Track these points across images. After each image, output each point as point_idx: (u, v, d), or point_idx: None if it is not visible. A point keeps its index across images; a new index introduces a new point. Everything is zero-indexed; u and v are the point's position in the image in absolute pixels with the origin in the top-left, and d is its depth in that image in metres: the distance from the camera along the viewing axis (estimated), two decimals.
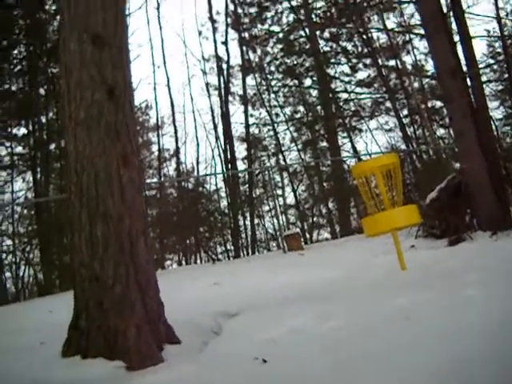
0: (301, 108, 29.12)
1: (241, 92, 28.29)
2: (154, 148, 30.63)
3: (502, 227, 8.96)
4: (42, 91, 20.85)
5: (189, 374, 3.27)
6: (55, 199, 17.94)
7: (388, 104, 26.66)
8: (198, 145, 29.75)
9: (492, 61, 24.97)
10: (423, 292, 4.23)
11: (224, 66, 27.95)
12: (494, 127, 10.93)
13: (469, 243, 8.98)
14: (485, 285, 4.20)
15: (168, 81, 28.54)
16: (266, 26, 28.40)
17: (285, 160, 28.75)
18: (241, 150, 29.14)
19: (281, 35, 28.51)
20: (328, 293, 5.64)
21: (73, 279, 4.19)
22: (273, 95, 28.69)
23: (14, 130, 21.13)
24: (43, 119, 20.69)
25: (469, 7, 16.16)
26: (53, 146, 20.75)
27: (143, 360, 3.77)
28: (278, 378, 2.85)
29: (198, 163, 29.88)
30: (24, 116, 20.39)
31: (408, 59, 28.14)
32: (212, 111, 28.50)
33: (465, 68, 10.32)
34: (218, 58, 27.99)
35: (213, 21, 28.34)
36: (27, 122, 20.73)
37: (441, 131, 26.89)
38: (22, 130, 21.11)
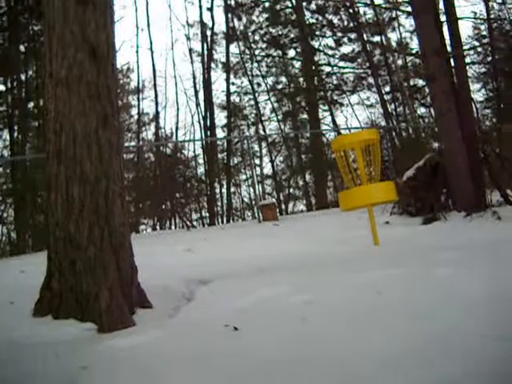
0: (283, 79, 29.15)
1: (224, 59, 28.20)
2: (134, 111, 30.51)
3: (476, 209, 9.05)
4: (22, 48, 20.51)
5: (158, 338, 3.28)
6: (31, 158, 17.78)
7: (370, 80, 26.75)
8: (177, 110, 29.65)
9: (477, 43, 25.04)
10: (395, 268, 4.27)
11: (208, 32, 27.74)
12: (474, 109, 10.93)
13: (443, 223, 9.08)
14: (457, 263, 4.24)
15: (151, 44, 28.32)
16: None
17: (264, 130, 28.80)
18: (221, 117, 29.13)
19: (267, 4, 28.34)
20: (301, 265, 5.66)
21: (47, 239, 4.18)
22: (255, 64, 28.66)
23: None
24: (22, 77, 20.41)
25: None
26: (31, 105, 20.50)
27: (114, 323, 3.77)
28: (247, 345, 2.86)
29: (177, 129, 29.85)
30: (2, 73, 20.06)
31: (393, 36, 28.24)
32: (194, 77, 28.42)
33: (449, 48, 10.33)
34: (203, 24, 27.76)
35: None
36: (5, 79, 20.40)
37: (421, 110, 27.06)
38: (0, 87, 20.81)
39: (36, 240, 17.61)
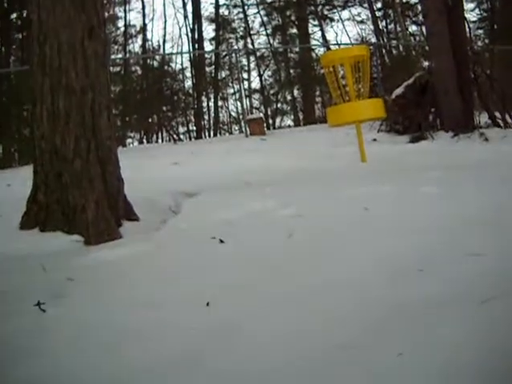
0: None
1: None
2: (120, 23, 29.89)
3: (464, 129, 9.05)
4: None
5: (145, 250, 3.30)
6: (16, 71, 17.44)
7: None
8: (165, 22, 29.20)
9: None
10: (383, 185, 4.27)
11: None
12: (467, 29, 10.77)
13: (430, 142, 9.08)
14: (443, 182, 4.26)
15: None
16: None
17: (253, 44, 28.39)
18: (209, 30, 28.68)
19: None
20: (288, 180, 5.67)
21: (33, 152, 4.15)
22: None
23: None
24: None
25: None
26: (14, 16, 19.98)
27: (101, 235, 3.79)
28: (233, 257, 2.89)
29: (164, 41, 29.40)
30: None
31: None
32: None
33: None
34: None
35: None
36: None
37: (413, 28, 26.63)
38: None
39: (22, 154, 17.49)
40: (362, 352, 1.69)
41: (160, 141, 25.34)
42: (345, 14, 29.24)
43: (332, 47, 22.85)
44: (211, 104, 26.83)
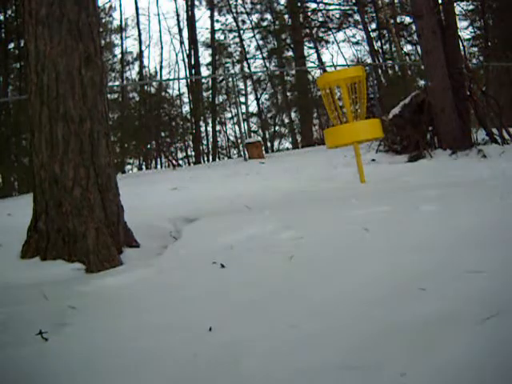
0: (268, 16, 28.76)
1: None
2: (117, 51, 30.12)
3: (461, 146, 9.08)
4: None
5: (147, 276, 3.30)
6: (14, 100, 17.52)
7: (357, 17, 26.40)
8: (161, 49, 29.45)
9: None
10: (382, 205, 4.28)
11: None
12: (461, 47, 10.84)
13: (428, 160, 9.10)
14: (442, 200, 4.26)
15: None
16: None
17: (249, 68, 28.59)
18: (205, 55, 28.97)
19: None
20: (288, 203, 5.67)
21: (32, 181, 4.16)
22: (240, 1, 28.20)
23: None
24: (1, 17, 19.97)
25: None
26: (12, 46, 20.12)
27: (102, 262, 3.79)
28: (234, 282, 2.88)
29: (161, 67, 29.61)
30: None
31: None
32: (177, 15, 28.08)
33: None
34: None
35: None
36: None
37: (408, 47, 26.83)
38: None
39: (22, 183, 17.54)
40: (365, 372, 1.68)
41: (159, 167, 25.44)
42: (340, 35, 29.52)
43: (328, 69, 22.95)
44: (209, 129, 27.04)
